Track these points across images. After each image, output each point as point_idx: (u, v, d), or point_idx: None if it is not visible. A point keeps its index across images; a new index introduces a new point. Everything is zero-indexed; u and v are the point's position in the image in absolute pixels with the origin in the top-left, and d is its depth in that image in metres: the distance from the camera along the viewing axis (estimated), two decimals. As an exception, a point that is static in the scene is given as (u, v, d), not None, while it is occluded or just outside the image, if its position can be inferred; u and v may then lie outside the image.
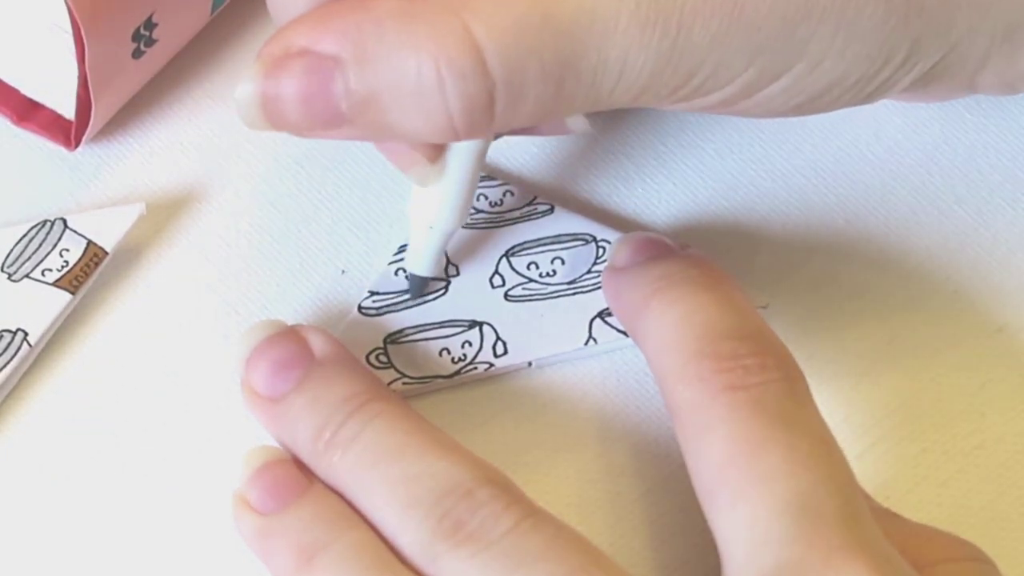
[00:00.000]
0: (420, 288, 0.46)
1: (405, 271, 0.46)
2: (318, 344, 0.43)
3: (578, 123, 0.44)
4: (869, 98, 0.40)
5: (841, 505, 0.38)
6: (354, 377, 0.42)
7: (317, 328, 0.44)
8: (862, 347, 0.46)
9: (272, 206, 0.48)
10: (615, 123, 0.49)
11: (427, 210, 0.44)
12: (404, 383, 0.45)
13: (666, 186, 0.48)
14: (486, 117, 0.37)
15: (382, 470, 0.40)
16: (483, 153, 0.43)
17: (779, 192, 0.48)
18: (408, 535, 0.39)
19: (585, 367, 0.46)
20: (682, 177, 0.48)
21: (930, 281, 0.47)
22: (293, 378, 0.42)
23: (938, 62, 0.40)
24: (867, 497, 0.41)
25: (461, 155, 0.43)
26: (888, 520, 0.40)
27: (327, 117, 0.38)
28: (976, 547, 0.40)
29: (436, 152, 0.42)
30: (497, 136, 0.44)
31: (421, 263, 0.45)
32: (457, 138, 0.38)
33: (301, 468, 0.42)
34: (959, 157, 0.49)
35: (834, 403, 0.45)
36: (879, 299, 0.47)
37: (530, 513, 0.39)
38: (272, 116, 0.39)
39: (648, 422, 0.45)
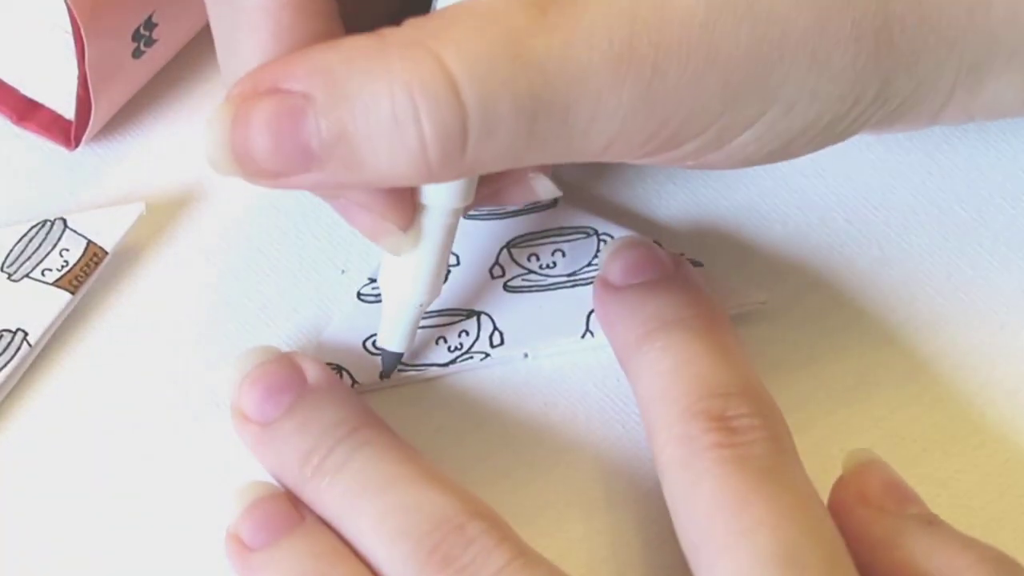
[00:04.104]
0: (394, 365, 0.45)
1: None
2: (311, 372, 0.43)
3: (546, 187, 0.44)
4: (839, 137, 0.40)
5: (825, 557, 0.38)
6: (344, 404, 0.42)
7: (310, 356, 0.44)
8: (862, 348, 0.46)
9: (272, 206, 0.48)
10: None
11: (401, 284, 0.43)
12: (399, 370, 0.45)
13: (666, 186, 0.48)
14: (459, 148, 0.36)
15: (370, 499, 0.40)
16: (455, 225, 0.42)
17: (779, 192, 0.48)
18: (396, 566, 0.39)
19: (585, 366, 0.46)
20: (682, 177, 0.48)
21: (930, 281, 0.47)
22: (284, 403, 0.42)
23: (907, 97, 0.39)
24: (917, 502, 0.41)
25: (435, 220, 0.41)
26: (927, 528, 0.40)
27: (298, 157, 0.37)
28: (1007, 560, 0.40)
29: (407, 219, 0.41)
30: (466, 212, 0.43)
31: (395, 339, 0.44)
32: (431, 175, 0.37)
33: (294, 502, 0.42)
34: (959, 156, 0.49)
35: (833, 404, 0.45)
36: (879, 299, 0.47)
37: (521, 552, 0.39)
38: (241, 159, 0.37)
39: (648, 422, 0.45)
